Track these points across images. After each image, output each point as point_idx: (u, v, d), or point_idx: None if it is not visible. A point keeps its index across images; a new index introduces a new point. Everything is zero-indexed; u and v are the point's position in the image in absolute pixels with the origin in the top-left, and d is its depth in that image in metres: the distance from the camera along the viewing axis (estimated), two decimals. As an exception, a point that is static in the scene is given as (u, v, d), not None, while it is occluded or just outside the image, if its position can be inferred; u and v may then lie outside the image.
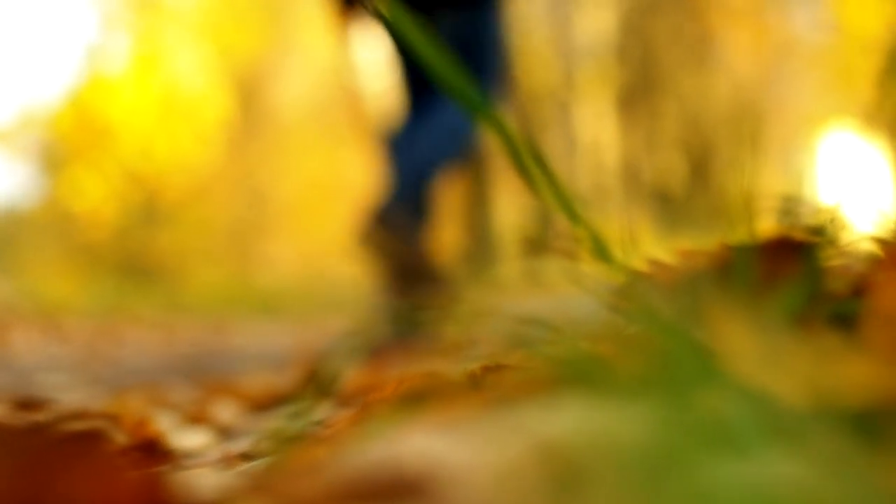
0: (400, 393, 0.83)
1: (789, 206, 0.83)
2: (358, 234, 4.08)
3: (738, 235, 0.80)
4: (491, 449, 0.51)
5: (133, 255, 19.24)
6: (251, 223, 20.34)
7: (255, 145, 20.40)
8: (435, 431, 0.57)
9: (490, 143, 4.21)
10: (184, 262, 19.47)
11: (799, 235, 0.81)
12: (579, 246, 0.80)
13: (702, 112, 18.54)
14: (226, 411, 2.05)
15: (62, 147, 20.31)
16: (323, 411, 0.94)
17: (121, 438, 1.34)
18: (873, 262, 0.81)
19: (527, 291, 4.06)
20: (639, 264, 0.84)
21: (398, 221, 4.01)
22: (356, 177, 19.16)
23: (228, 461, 1.12)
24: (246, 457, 1.09)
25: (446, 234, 4.18)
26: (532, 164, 0.80)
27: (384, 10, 0.82)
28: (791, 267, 0.79)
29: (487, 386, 0.82)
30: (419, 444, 0.55)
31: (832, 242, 0.81)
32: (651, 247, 0.91)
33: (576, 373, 0.67)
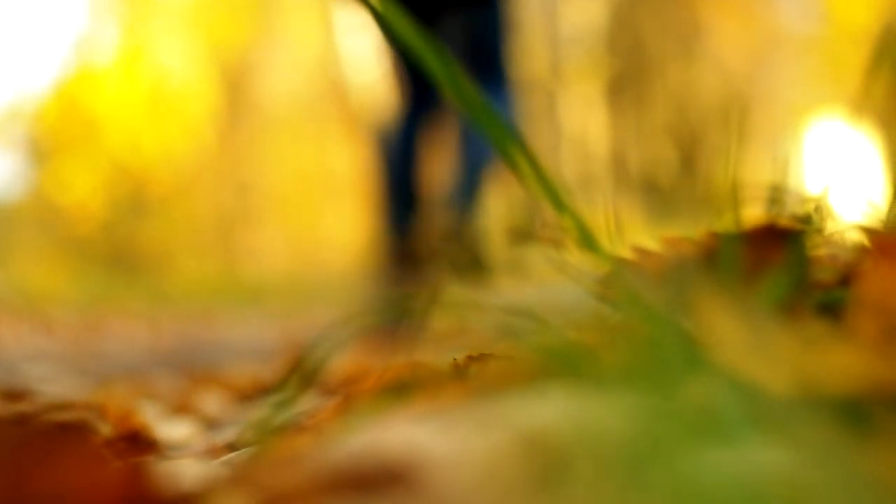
0: (384, 382, 0.83)
1: (776, 194, 0.83)
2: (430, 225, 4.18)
3: (725, 224, 0.80)
4: (474, 439, 0.51)
5: (120, 247, 19.23)
6: (238, 215, 20.33)
7: (243, 137, 20.39)
8: (419, 421, 0.57)
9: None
10: (170, 253, 19.46)
11: (785, 224, 0.81)
12: (565, 235, 0.80)
13: (690, 102, 18.56)
14: (211, 402, 2.05)
15: (49, 139, 20.28)
16: (308, 401, 0.93)
17: (106, 429, 1.34)
18: (859, 250, 0.81)
19: (513, 281, 4.07)
20: (625, 253, 0.84)
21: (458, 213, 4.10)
22: (344, 168, 19.16)
23: (213, 451, 1.12)
24: (231, 447, 1.09)
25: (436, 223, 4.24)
26: (519, 154, 0.80)
27: (380, 7, 0.82)
28: (777, 255, 0.79)
29: (472, 376, 0.82)
30: (403, 433, 0.55)
31: (818, 231, 0.81)
32: (638, 235, 0.91)
33: (561, 362, 0.67)
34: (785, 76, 18.16)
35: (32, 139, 20.74)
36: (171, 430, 1.54)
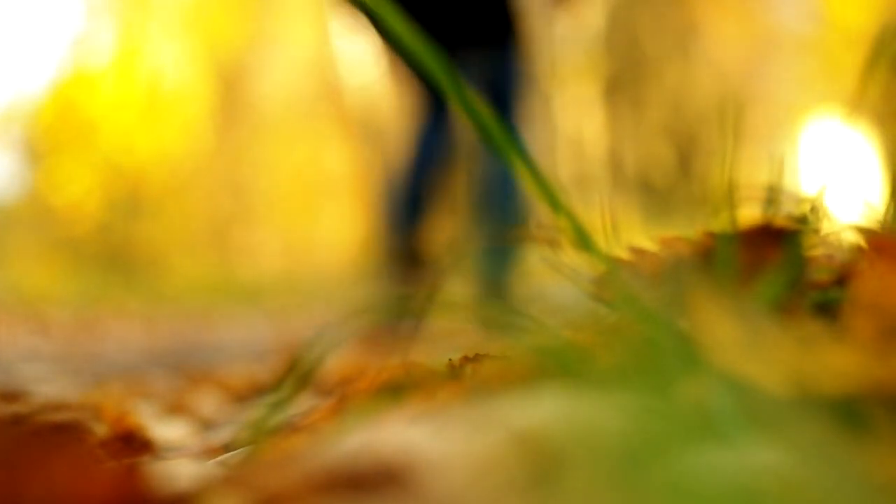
0: (380, 383, 0.83)
1: (772, 195, 0.83)
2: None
3: (721, 224, 0.80)
4: (469, 439, 0.51)
5: (116, 247, 19.21)
6: (234, 215, 20.32)
7: (239, 138, 20.38)
8: (414, 422, 0.57)
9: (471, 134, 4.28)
10: (166, 254, 19.45)
11: (781, 224, 0.81)
12: (562, 235, 0.80)
13: (686, 102, 18.56)
14: (207, 402, 2.05)
15: (45, 140, 20.26)
16: (303, 401, 0.93)
17: (101, 430, 1.34)
18: (855, 251, 0.81)
19: (510, 280, 4.11)
20: (621, 253, 0.84)
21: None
22: (340, 169, 19.16)
23: (209, 452, 1.12)
24: (226, 447, 1.09)
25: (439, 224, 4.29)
26: (515, 155, 0.80)
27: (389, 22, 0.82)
28: (773, 255, 0.79)
29: (467, 376, 0.82)
30: (398, 434, 0.55)
31: (815, 231, 0.81)
32: (634, 235, 0.91)
33: (556, 363, 0.67)
34: (781, 76, 18.16)
35: (28, 140, 20.73)
36: (167, 430, 1.54)
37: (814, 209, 0.80)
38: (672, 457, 0.47)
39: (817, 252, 0.83)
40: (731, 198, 0.79)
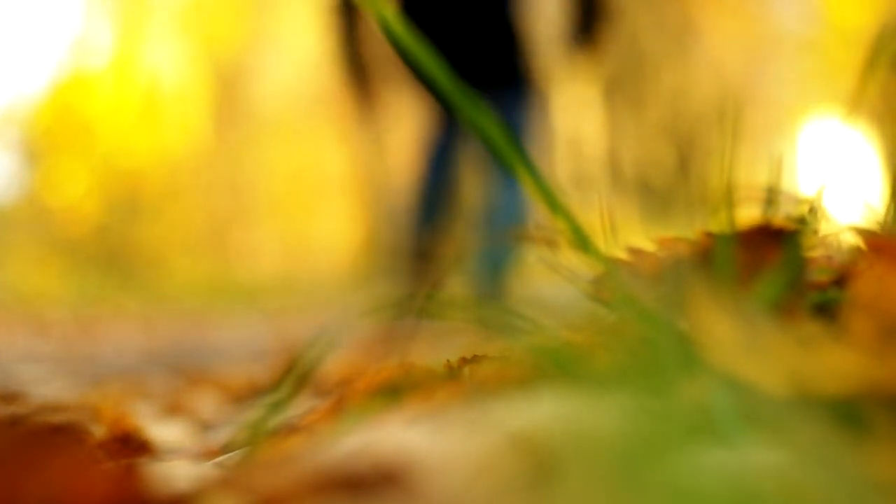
0: (378, 383, 0.83)
1: (771, 195, 0.83)
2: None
3: (720, 224, 0.79)
4: (467, 440, 0.51)
5: (114, 248, 19.20)
6: (232, 216, 20.31)
7: (237, 139, 20.37)
8: (412, 423, 0.57)
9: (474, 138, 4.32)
10: (165, 254, 19.44)
11: (780, 224, 0.81)
12: (560, 235, 0.80)
13: (685, 102, 18.56)
14: (205, 403, 2.05)
15: (43, 141, 20.26)
16: (302, 402, 0.93)
17: (99, 431, 1.34)
18: (854, 251, 0.81)
19: (508, 281, 4.13)
20: (619, 253, 0.84)
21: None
22: (338, 170, 19.15)
23: (207, 453, 1.12)
24: (224, 448, 1.09)
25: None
26: (513, 154, 0.80)
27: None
28: (772, 256, 0.79)
29: (465, 377, 0.82)
30: (396, 435, 0.54)
31: (814, 232, 0.81)
32: (633, 236, 0.91)
33: (555, 363, 0.67)
34: (780, 76, 18.16)
35: (27, 141, 20.72)
36: (165, 431, 1.53)
37: (813, 210, 0.80)
38: (671, 457, 0.47)
39: (816, 253, 0.83)
40: (729, 198, 0.79)
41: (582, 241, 0.79)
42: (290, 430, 0.86)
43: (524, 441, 0.49)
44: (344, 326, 0.86)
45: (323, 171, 20.28)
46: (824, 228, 0.83)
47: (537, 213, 4.17)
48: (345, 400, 0.86)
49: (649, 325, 0.67)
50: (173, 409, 1.90)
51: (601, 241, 0.81)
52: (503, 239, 4.22)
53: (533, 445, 0.49)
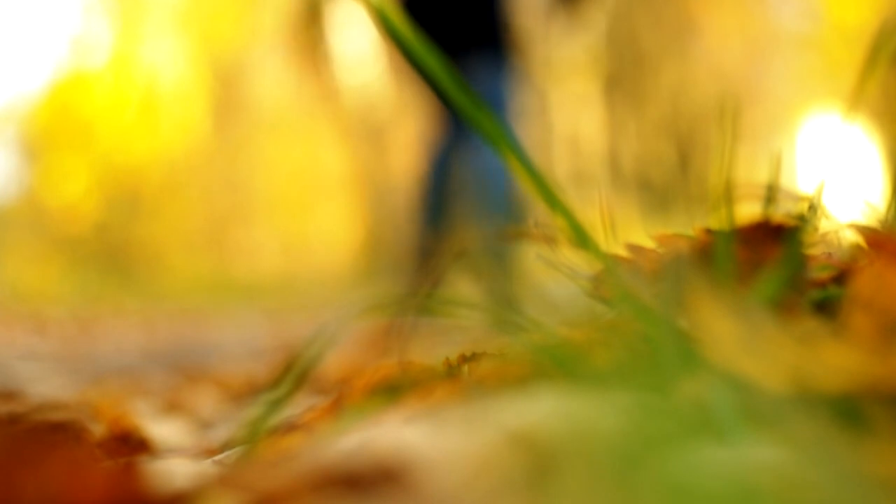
0: (376, 381, 0.83)
1: (771, 192, 0.83)
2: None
3: (720, 221, 0.79)
4: (466, 438, 0.51)
5: (113, 246, 19.21)
6: (231, 214, 20.31)
7: (235, 137, 20.37)
8: (410, 421, 0.57)
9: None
10: (163, 253, 19.44)
11: (780, 221, 0.81)
12: (559, 232, 0.80)
13: (684, 99, 18.57)
14: (204, 401, 2.05)
15: (42, 140, 20.27)
16: (301, 400, 0.93)
17: (98, 429, 1.34)
18: (854, 248, 0.81)
19: (506, 278, 4.13)
20: (619, 250, 0.84)
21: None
22: (336, 168, 19.16)
23: (205, 451, 1.12)
24: (223, 446, 1.09)
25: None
26: (513, 153, 0.80)
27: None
28: (772, 253, 0.79)
29: (464, 374, 0.81)
30: (394, 433, 0.54)
31: (813, 229, 0.81)
32: (632, 232, 0.91)
33: (554, 361, 0.67)
34: (780, 73, 18.17)
35: (26, 139, 20.72)
36: (164, 429, 1.53)
37: (812, 206, 0.80)
38: (670, 455, 0.47)
39: (816, 250, 0.83)
40: (729, 195, 0.79)
41: (581, 238, 0.79)
42: (289, 428, 0.86)
43: (523, 439, 0.49)
44: (342, 324, 0.86)
45: (322, 169, 20.29)
46: (824, 225, 0.83)
47: (531, 202, 4.19)
48: (344, 398, 0.86)
49: (649, 322, 0.67)
50: (172, 407, 1.90)
51: (601, 238, 0.81)
52: (498, 232, 4.23)
53: (532, 443, 0.49)
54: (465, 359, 0.84)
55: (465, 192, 4.45)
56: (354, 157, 17.20)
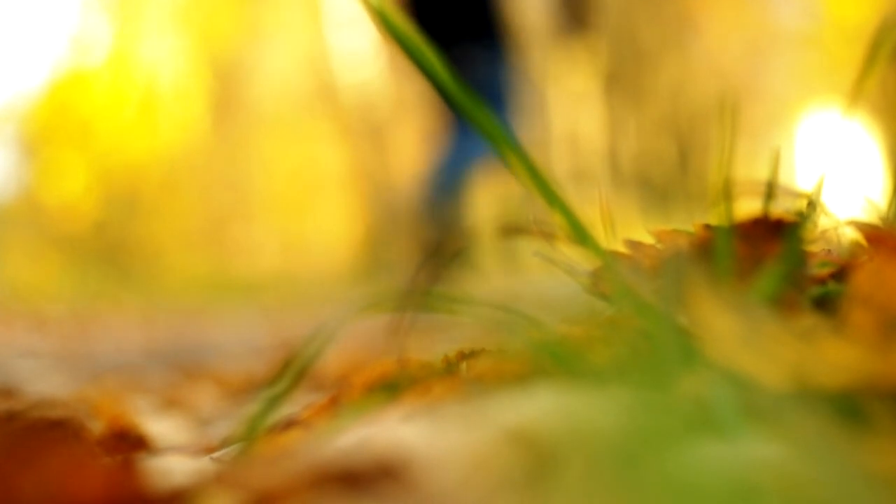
0: (375, 379, 0.83)
1: (770, 189, 0.83)
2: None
3: (719, 217, 0.79)
4: (465, 436, 0.50)
5: (112, 244, 19.21)
6: (230, 212, 20.31)
7: (234, 135, 20.37)
8: (409, 418, 0.57)
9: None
10: (162, 251, 19.45)
11: (780, 218, 0.80)
12: (558, 229, 0.80)
13: (684, 96, 18.57)
14: (203, 398, 2.05)
15: (41, 137, 20.26)
16: (299, 397, 0.93)
17: (97, 426, 1.34)
18: (854, 245, 0.81)
19: (505, 275, 4.14)
20: (618, 247, 0.84)
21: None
22: (335, 166, 19.17)
23: (204, 448, 1.12)
24: (222, 443, 1.08)
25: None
26: (511, 150, 0.80)
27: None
28: (772, 249, 0.79)
29: (463, 371, 0.81)
30: (393, 430, 0.54)
31: (813, 225, 0.81)
32: (632, 229, 0.91)
33: (553, 358, 0.67)
34: (779, 71, 18.18)
35: (24, 137, 20.72)
36: (163, 426, 1.53)
37: (812, 203, 0.80)
38: (670, 452, 0.47)
39: (816, 246, 0.83)
40: (729, 192, 0.79)
41: (581, 235, 0.79)
42: (288, 425, 0.86)
43: (522, 436, 0.49)
44: (341, 321, 0.86)
45: (321, 167, 20.28)
46: (824, 222, 0.83)
47: (535, 206, 4.19)
48: (342, 395, 0.86)
49: (648, 318, 0.67)
50: (171, 405, 1.90)
51: (600, 235, 0.81)
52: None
53: (531, 440, 0.48)
54: (463, 356, 0.84)
55: (464, 190, 4.47)
56: (354, 156, 17.20)
